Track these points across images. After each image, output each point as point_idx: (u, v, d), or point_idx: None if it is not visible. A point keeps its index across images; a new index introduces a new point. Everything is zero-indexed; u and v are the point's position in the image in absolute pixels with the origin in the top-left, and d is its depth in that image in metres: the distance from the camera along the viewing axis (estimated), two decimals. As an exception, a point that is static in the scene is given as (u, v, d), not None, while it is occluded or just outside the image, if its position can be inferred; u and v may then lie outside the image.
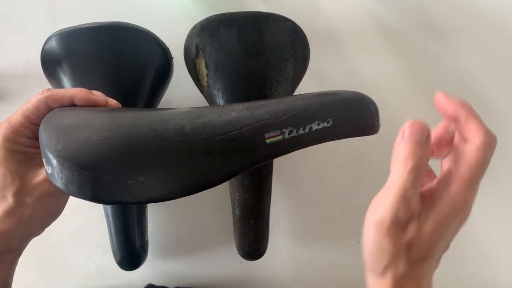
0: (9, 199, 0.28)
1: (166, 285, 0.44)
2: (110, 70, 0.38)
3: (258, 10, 0.38)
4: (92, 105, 0.30)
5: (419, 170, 0.24)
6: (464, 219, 0.27)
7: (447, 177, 0.26)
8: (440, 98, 0.27)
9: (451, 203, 0.26)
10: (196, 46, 0.38)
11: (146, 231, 0.43)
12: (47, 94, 0.30)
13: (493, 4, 0.50)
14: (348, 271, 0.45)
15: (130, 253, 0.41)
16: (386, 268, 0.26)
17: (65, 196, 0.31)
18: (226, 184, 0.42)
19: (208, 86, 0.38)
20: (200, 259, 0.46)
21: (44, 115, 0.30)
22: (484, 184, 0.47)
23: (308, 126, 0.27)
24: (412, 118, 0.47)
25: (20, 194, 0.28)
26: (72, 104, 0.30)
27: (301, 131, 0.27)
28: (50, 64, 0.38)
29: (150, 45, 0.40)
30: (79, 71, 0.37)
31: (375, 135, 0.48)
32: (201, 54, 0.38)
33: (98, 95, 0.31)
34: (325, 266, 0.47)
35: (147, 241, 0.43)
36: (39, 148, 0.29)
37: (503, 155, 0.48)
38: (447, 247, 0.28)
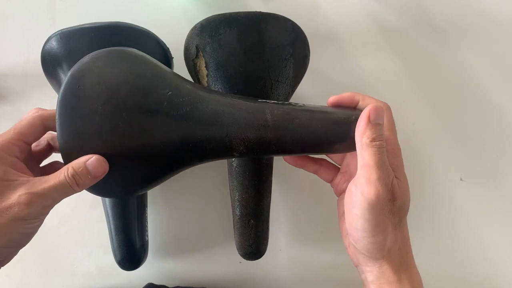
0: None
1: (166, 285, 0.44)
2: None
3: (258, 10, 0.38)
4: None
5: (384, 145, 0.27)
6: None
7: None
8: (332, 97, 0.31)
9: (397, 148, 0.30)
10: (196, 46, 0.38)
11: (146, 231, 0.43)
12: (41, 112, 0.31)
13: (493, 4, 0.50)
14: (348, 271, 0.45)
15: (130, 253, 0.41)
16: (388, 243, 0.28)
17: (34, 225, 0.29)
18: (226, 184, 0.42)
19: (208, 86, 0.39)
20: (200, 259, 0.46)
21: (37, 132, 0.30)
22: (484, 184, 0.48)
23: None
24: (412, 118, 0.48)
25: None
26: None
27: None
28: (50, 64, 0.38)
29: (150, 45, 0.40)
30: (79, 71, 0.37)
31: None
32: (201, 54, 0.38)
33: None
34: (325, 266, 0.47)
35: (147, 241, 0.43)
36: (21, 171, 0.29)
37: (503, 155, 0.48)
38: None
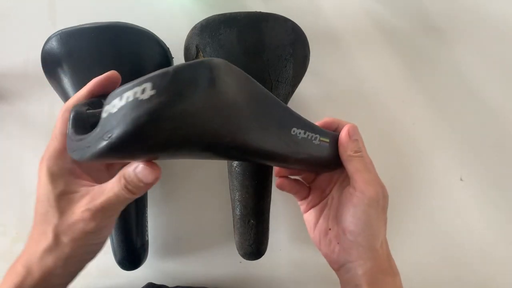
0: (49, 235, 0.27)
1: (166, 285, 0.44)
2: (110, 70, 0.38)
3: (258, 10, 0.38)
4: (107, 83, 0.29)
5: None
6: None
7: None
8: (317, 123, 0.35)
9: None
10: (196, 46, 0.38)
11: (146, 231, 0.43)
12: (66, 104, 0.28)
13: (493, 4, 0.50)
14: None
15: (130, 253, 0.41)
16: (382, 234, 0.32)
17: (103, 234, 0.29)
18: (226, 184, 0.42)
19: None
20: (200, 259, 0.46)
21: None
22: (484, 184, 0.48)
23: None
24: (412, 118, 0.47)
25: (58, 232, 0.27)
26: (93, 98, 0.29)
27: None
28: (50, 64, 0.38)
29: (150, 45, 0.40)
30: (79, 71, 0.37)
31: (375, 134, 0.48)
32: (201, 54, 0.38)
33: (106, 74, 0.29)
34: (325, 266, 0.47)
35: (147, 241, 0.43)
36: (81, 179, 0.28)
37: (503, 154, 0.48)
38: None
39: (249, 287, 0.47)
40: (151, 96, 0.20)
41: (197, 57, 0.38)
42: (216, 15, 0.37)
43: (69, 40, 0.37)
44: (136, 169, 0.26)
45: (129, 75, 0.39)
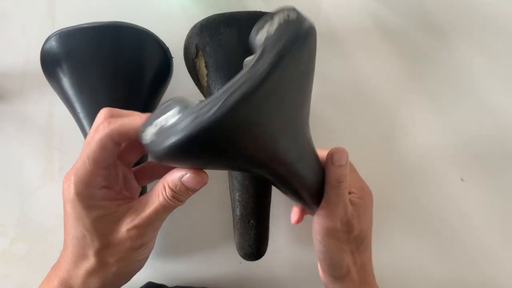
0: (91, 259, 0.26)
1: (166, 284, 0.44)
2: (109, 70, 0.38)
3: (258, 10, 0.38)
4: None
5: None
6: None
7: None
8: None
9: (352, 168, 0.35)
10: (196, 46, 0.38)
11: (146, 231, 0.43)
12: (110, 128, 0.25)
13: (493, 4, 0.50)
14: (348, 271, 0.45)
15: (130, 253, 0.41)
16: (346, 263, 0.31)
17: (150, 247, 0.28)
18: (226, 184, 0.42)
19: (208, 86, 0.38)
20: (200, 259, 0.46)
21: (112, 153, 0.25)
22: (486, 185, 0.47)
23: None
24: (412, 118, 0.47)
25: (101, 254, 0.26)
26: None
27: None
28: (50, 64, 0.38)
29: (150, 45, 0.39)
30: (79, 71, 0.37)
31: (376, 134, 0.48)
32: (201, 54, 0.38)
33: None
34: (325, 266, 0.47)
35: (147, 241, 0.43)
36: (116, 199, 0.26)
37: (503, 155, 0.48)
38: (371, 226, 0.34)
39: (249, 287, 0.47)
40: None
41: (196, 56, 0.38)
42: (216, 14, 0.37)
43: (69, 39, 0.37)
44: (183, 177, 0.24)
45: (128, 75, 0.40)
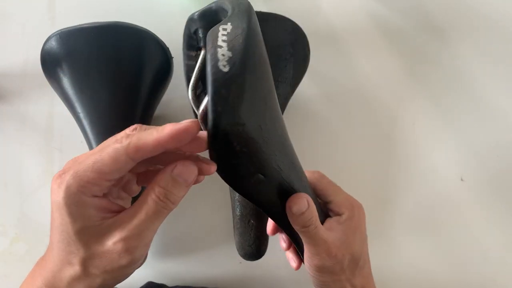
0: (76, 267, 0.24)
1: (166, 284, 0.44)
2: (110, 70, 0.38)
3: (258, 10, 0.38)
4: (183, 136, 0.22)
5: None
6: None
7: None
8: None
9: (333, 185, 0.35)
10: (196, 46, 0.38)
11: (146, 231, 0.43)
12: (128, 141, 0.22)
13: (493, 4, 0.50)
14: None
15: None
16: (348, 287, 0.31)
17: (140, 262, 0.26)
18: (226, 184, 0.42)
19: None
20: (200, 259, 0.46)
21: (124, 169, 0.23)
22: (485, 184, 0.47)
23: None
24: (412, 118, 0.47)
25: (86, 264, 0.24)
26: (161, 149, 0.23)
27: None
28: (50, 64, 0.38)
29: (150, 45, 0.39)
30: (79, 71, 0.37)
31: (375, 134, 0.48)
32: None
33: (186, 124, 0.22)
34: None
35: (147, 241, 0.43)
36: (105, 211, 0.24)
37: (503, 155, 0.48)
38: (366, 239, 0.34)
39: (249, 287, 0.46)
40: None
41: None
42: (216, 15, 0.37)
43: (69, 40, 0.37)
44: (174, 170, 0.23)
45: (128, 75, 0.40)
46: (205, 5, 0.26)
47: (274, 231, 0.37)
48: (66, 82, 0.38)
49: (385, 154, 0.48)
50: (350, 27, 0.49)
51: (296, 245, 0.33)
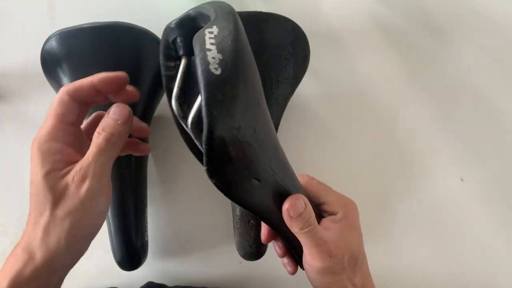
0: (45, 214, 0.27)
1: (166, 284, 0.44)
2: (109, 70, 0.38)
3: (258, 10, 0.38)
4: (113, 82, 0.28)
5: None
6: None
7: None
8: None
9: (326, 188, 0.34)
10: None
11: (146, 231, 0.43)
12: (66, 86, 0.28)
13: (493, 4, 0.50)
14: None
15: (130, 253, 0.41)
16: (350, 285, 0.31)
17: (100, 202, 0.28)
18: (226, 184, 0.42)
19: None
20: (200, 259, 0.46)
21: (71, 108, 0.28)
22: (485, 184, 0.47)
23: None
24: (412, 118, 0.47)
25: (53, 208, 0.27)
26: (94, 90, 0.28)
27: None
28: (50, 63, 0.38)
29: (150, 45, 0.40)
30: (79, 71, 0.37)
31: (376, 134, 0.48)
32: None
33: (116, 73, 0.29)
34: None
35: (147, 241, 0.43)
36: (69, 159, 0.28)
37: (503, 155, 0.48)
38: (362, 236, 0.34)
39: (249, 287, 0.47)
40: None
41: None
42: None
43: (69, 40, 0.37)
44: (110, 112, 0.28)
45: (128, 75, 0.40)
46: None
47: (269, 239, 0.36)
48: (66, 82, 0.38)
49: (385, 154, 0.48)
50: (350, 27, 0.49)
51: (292, 249, 0.33)
